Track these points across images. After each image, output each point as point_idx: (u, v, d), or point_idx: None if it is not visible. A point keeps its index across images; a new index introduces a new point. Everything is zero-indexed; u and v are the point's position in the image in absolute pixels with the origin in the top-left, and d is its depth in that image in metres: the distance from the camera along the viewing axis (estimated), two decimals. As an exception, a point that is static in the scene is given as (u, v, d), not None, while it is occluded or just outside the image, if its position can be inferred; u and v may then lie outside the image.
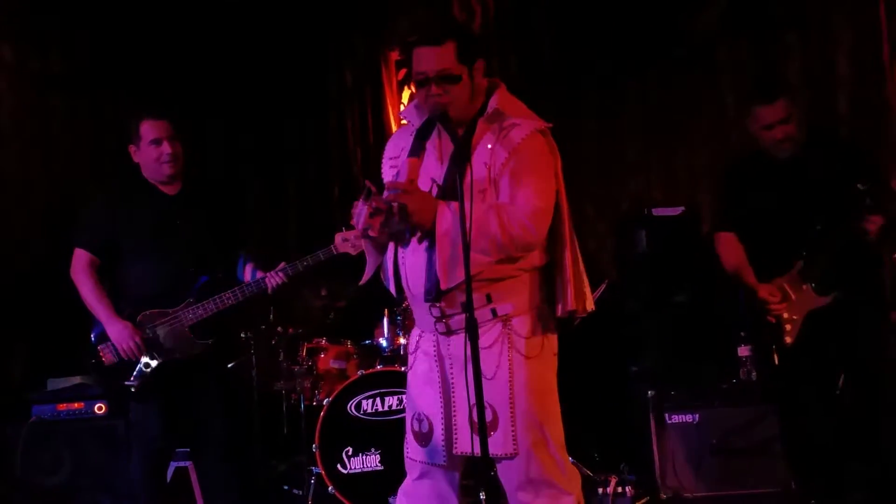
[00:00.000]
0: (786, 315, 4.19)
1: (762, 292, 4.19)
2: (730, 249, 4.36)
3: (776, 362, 4.25)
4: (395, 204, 2.91)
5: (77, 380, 4.85)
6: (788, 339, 4.18)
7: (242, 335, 5.49)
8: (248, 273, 4.40)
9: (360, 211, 2.94)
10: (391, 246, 3.16)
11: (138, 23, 5.96)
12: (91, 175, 5.57)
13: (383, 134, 6.97)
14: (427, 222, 2.94)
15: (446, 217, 2.92)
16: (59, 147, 5.68)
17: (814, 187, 4.07)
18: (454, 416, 3.07)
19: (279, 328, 5.48)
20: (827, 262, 4.08)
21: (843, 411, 4.24)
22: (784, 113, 4.16)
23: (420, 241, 3.04)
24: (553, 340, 3.16)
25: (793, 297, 4.17)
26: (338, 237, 4.30)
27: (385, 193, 2.93)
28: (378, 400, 4.88)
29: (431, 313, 3.08)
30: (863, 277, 4.12)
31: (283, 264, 4.28)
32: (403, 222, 2.95)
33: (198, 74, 6.23)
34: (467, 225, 2.84)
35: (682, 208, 5.36)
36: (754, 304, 4.23)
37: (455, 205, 2.90)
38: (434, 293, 3.00)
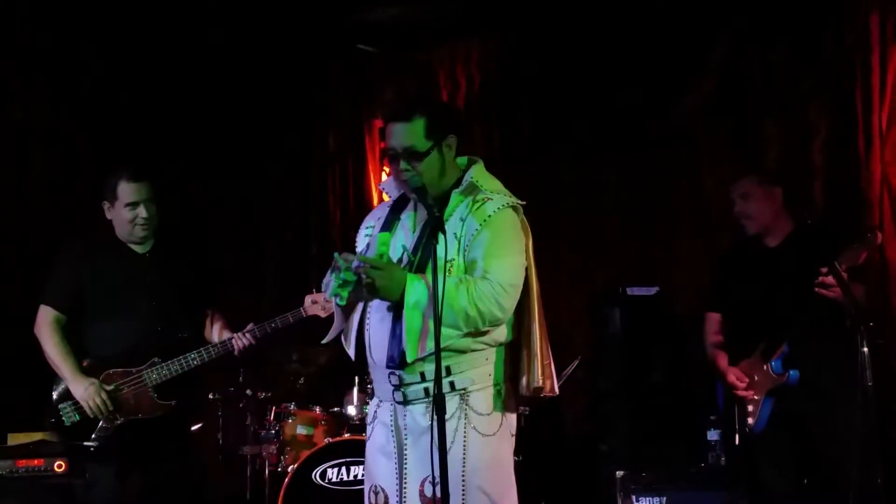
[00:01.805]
0: (748, 396, 4.24)
1: (730, 377, 4.31)
2: (711, 330, 4.51)
3: (736, 443, 4.31)
4: (363, 276, 2.91)
5: (39, 436, 4.77)
6: (751, 420, 4.23)
7: (210, 396, 5.43)
8: (215, 333, 4.37)
9: (329, 281, 2.97)
10: (358, 309, 3.15)
11: (123, 78, 5.99)
12: (67, 228, 5.54)
13: (363, 198, 7.03)
14: (395, 296, 2.94)
15: (415, 290, 2.92)
16: (36, 199, 5.66)
17: (788, 277, 4.16)
18: (405, 489, 3.04)
19: (248, 391, 5.43)
20: (786, 342, 4.13)
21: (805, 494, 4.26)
22: (743, 189, 4.37)
23: (389, 309, 3.03)
24: (512, 420, 3.15)
25: (755, 377, 4.23)
26: (307, 300, 4.29)
27: (355, 264, 2.94)
28: (343, 469, 4.82)
29: (390, 381, 3.06)
30: (823, 359, 4.13)
31: (250, 325, 4.25)
32: (371, 295, 2.97)
33: (181, 132, 6.26)
34: (439, 298, 2.84)
35: (657, 288, 5.37)
36: (724, 388, 4.36)
37: (425, 278, 2.91)
38: (396, 360, 2.99)
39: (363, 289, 2.93)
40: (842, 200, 4.97)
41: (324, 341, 3.25)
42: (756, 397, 4.22)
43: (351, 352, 3.19)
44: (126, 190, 4.18)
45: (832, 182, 5.05)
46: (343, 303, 2.99)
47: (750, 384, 4.24)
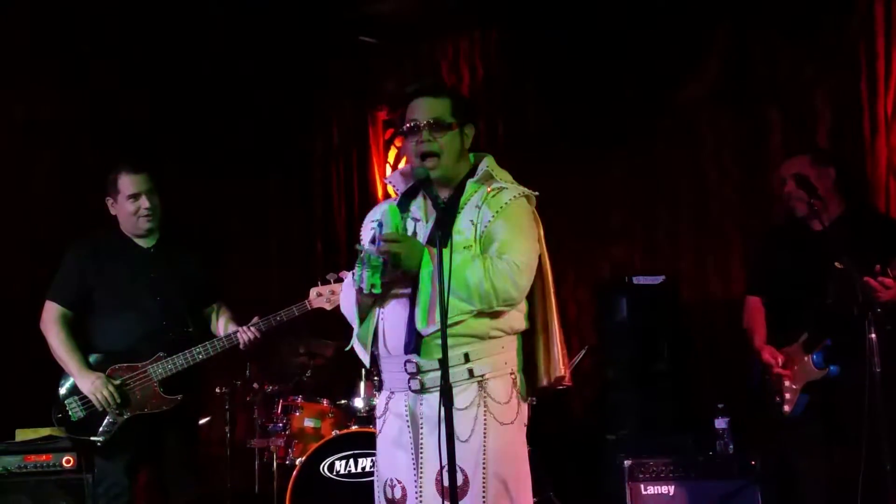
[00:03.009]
0: (786, 384, 4.20)
1: (765, 355, 4.25)
2: (750, 312, 4.43)
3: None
4: (387, 251, 2.92)
5: (46, 431, 4.78)
6: (787, 408, 4.19)
7: (218, 390, 5.44)
8: (221, 326, 4.37)
9: (362, 275, 2.95)
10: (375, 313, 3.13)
11: (127, 75, 5.99)
12: (72, 227, 5.55)
13: (368, 192, 7.02)
14: (416, 265, 2.95)
15: (433, 260, 2.92)
16: (41, 198, 5.67)
17: (831, 261, 3.96)
18: (423, 478, 3.03)
19: (255, 385, 5.43)
20: (829, 337, 4.07)
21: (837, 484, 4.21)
22: (794, 169, 4.23)
23: (403, 298, 3.02)
24: (525, 409, 3.15)
25: (795, 367, 4.18)
26: (312, 292, 4.27)
27: (376, 245, 2.95)
28: (351, 461, 4.82)
29: (406, 369, 3.04)
30: (862, 355, 4.04)
31: (255, 318, 4.25)
32: (395, 269, 2.97)
33: (186, 129, 6.26)
34: (445, 289, 2.83)
35: (663, 277, 5.36)
36: (760, 367, 4.28)
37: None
38: (413, 344, 2.98)
39: (390, 266, 2.94)
40: (848, 187, 4.95)
41: (347, 348, 3.26)
42: (794, 386, 4.17)
43: (366, 359, 3.17)
44: (127, 182, 4.20)
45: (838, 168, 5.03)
46: (379, 290, 2.97)
47: (790, 373, 4.18)
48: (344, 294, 3.23)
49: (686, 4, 5.57)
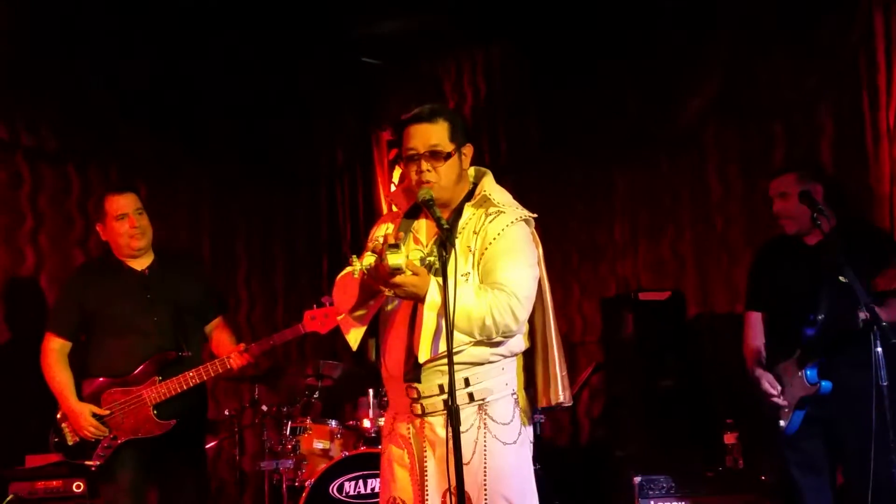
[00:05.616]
0: (781, 403, 4.19)
1: (763, 384, 4.21)
2: (750, 330, 4.40)
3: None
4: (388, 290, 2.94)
5: (56, 457, 4.79)
6: (783, 423, 4.17)
7: (226, 413, 5.44)
8: (217, 347, 4.35)
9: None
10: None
11: (130, 94, 6.00)
12: (78, 250, 5.58)
13: (373, 211, 7.05)
14: (421, 295, 2.94)
15: (435, 293, 2.92)
16: (48, 222, 5.69)
17: (827, 276, 3.96)
18: (429, 500, 3.04)
19: (263, 406, 5.43)
20: (822, 352, 4.06)
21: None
22: (782, 188, 4.23)
23: (405, 325, 3.04)
24: (529, 428, 3.17)
25: (791, 382, 4.16)
26: (307, 315, 4.24)
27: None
28: (360, 482, 4.82)
29: (408, 395, 3.07)
30: (858, 370, 3.96)
31: (245, 344, 4.23)
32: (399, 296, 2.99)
33: (191, 151, 6.29)
34: (450, 310, 2.84)
35: (669, 293, 5.36)
36: (756, 392, 4.25)
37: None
38: (412, 373, 3.01)
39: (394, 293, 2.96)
40: (851, 199, 4.95)
41: (340, 317, 3.22)
42: (790, 402, 4.14)
43: (352, 341, 3.14)
44: (113, 203, 4.23)
45: (839, 180, 5.03)
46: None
47: (784, 389, 4.16)
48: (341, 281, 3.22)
49: (688, 19, 5.58)
